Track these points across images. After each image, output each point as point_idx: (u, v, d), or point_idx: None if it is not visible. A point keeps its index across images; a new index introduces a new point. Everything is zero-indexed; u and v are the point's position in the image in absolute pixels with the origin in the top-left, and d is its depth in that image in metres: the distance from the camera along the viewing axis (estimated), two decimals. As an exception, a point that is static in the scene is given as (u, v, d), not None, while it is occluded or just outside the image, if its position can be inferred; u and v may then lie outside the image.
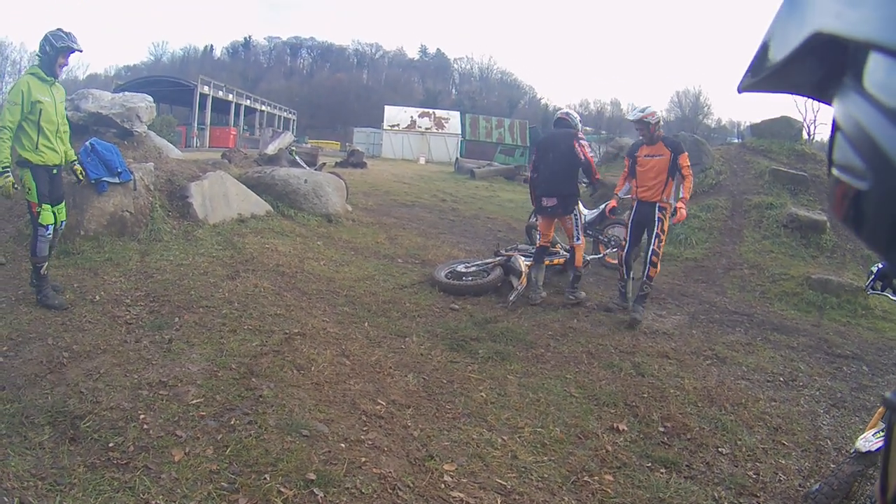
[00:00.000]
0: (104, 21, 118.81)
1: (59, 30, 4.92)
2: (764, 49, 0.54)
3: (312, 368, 3.97)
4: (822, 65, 0.47)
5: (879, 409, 3.23)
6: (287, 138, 14.12)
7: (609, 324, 5.88)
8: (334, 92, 71.88)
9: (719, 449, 3.63)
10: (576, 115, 6.88)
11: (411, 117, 48.07)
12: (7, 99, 4.83)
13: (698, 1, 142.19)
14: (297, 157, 12.91)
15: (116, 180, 6.89)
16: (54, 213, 5.07)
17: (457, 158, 33.13)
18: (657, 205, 5.98)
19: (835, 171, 0.46)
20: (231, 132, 35.96)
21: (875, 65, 0.39)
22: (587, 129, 68.81)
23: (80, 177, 5.68)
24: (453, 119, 49.00)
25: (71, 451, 2.86)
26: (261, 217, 8.34)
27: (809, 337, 6.18)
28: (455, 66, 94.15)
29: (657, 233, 5.94)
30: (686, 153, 6.04)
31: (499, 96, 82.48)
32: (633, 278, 6.41)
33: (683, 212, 5.85)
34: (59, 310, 4.77)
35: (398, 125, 47.16)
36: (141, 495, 2.57)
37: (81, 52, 5.11)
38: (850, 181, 0.43)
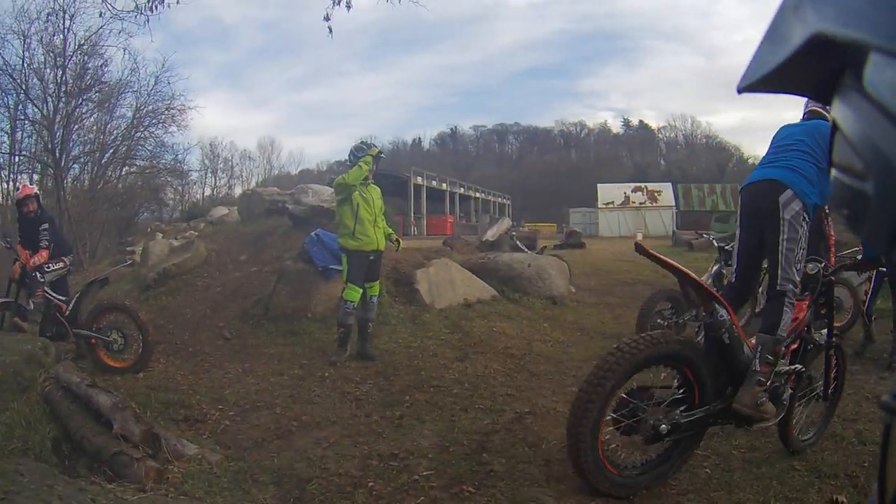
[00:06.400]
0: (311, 121, 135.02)
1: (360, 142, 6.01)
2: (764, 49, 0.54)
3: (543, 446, 3.69)
4: (822, 65, 0.47)
5: None
6: (505, 223, 14.47)
7: None
8: (545, 174, 72.51)
9: None
10: None
11: (624, 193, 47.14)
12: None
13: None
14: (518, 242, 13.09)
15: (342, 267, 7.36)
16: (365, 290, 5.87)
17: (673, 231, 31.28)
18: None
19: (834, 172, 0.46)
20: (448, 220, 37.47)
21: (875, 65, 0.39)
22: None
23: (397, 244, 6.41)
24: (665, 191, 47.16)
25: (296, 512, 2.84)
26: (486, 301, 8.32)
27: None
28: (659, 135, 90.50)
29: None
30: None
31: (707, 161, 76.83)
32: None
33: None
34: (370, 360, 5.65)
35: (612, 202, 46.49)
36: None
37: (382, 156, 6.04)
38: (851, 182, 0.43)
